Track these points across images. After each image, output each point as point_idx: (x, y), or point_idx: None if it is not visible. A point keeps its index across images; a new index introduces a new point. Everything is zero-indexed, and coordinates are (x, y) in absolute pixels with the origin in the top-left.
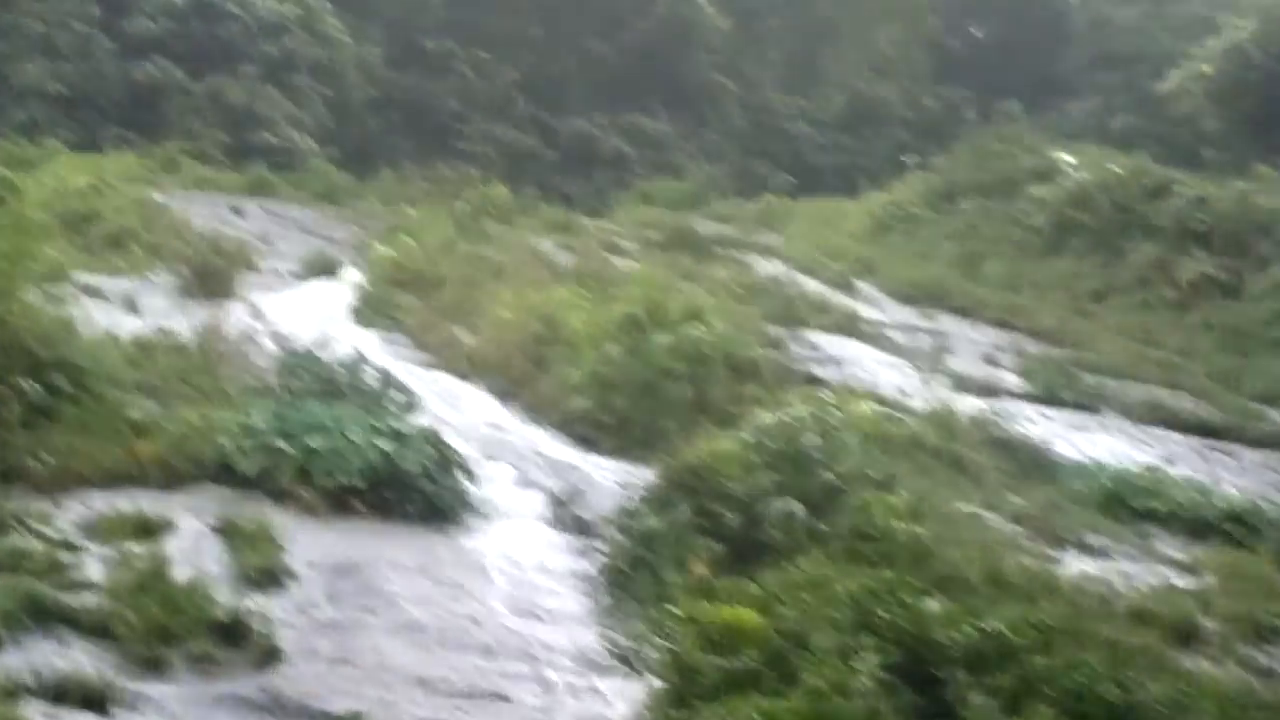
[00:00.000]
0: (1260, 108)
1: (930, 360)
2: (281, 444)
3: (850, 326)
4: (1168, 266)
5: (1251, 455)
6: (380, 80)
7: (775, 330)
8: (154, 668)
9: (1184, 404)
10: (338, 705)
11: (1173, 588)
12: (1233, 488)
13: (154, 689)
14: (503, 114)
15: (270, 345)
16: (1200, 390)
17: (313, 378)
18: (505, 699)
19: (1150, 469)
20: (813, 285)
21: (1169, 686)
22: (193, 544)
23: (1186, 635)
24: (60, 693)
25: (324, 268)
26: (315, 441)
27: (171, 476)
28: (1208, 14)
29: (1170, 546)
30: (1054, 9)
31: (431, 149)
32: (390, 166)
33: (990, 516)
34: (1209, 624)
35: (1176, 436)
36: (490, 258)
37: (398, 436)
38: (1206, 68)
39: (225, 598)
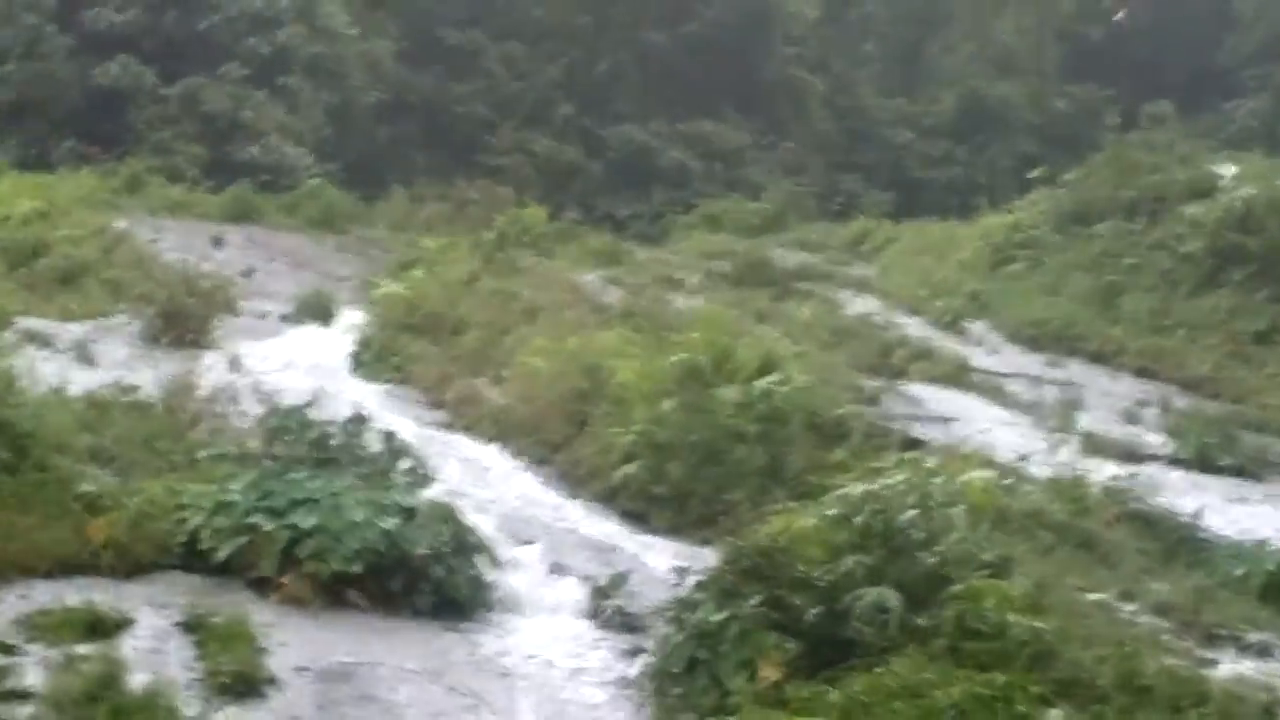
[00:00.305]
0: None
1: (1057, 417)
2: (263, 523)
3: (960, 377)
4: None
5: None
6: (392, 81)
7: (868, 382)
8: None
9: None
10: None
11: None
12: None
13: None
14: (540, 121)
15: (252, 403)
16: None
17: (302, 442)
18: None
19: None
20: (915, 327)
21: None
22: (153, 644)
23: None
24: None
25: (320, 309)
26: (304, 519)
27: (129, 563)
28: None
29: None
30: None
31: (453, 164)
32: (403, 185)
33: (1128, 608)
34: None
35: None
36: (522, 296)
37: (405, 513)
38: None
39: (192, 709)
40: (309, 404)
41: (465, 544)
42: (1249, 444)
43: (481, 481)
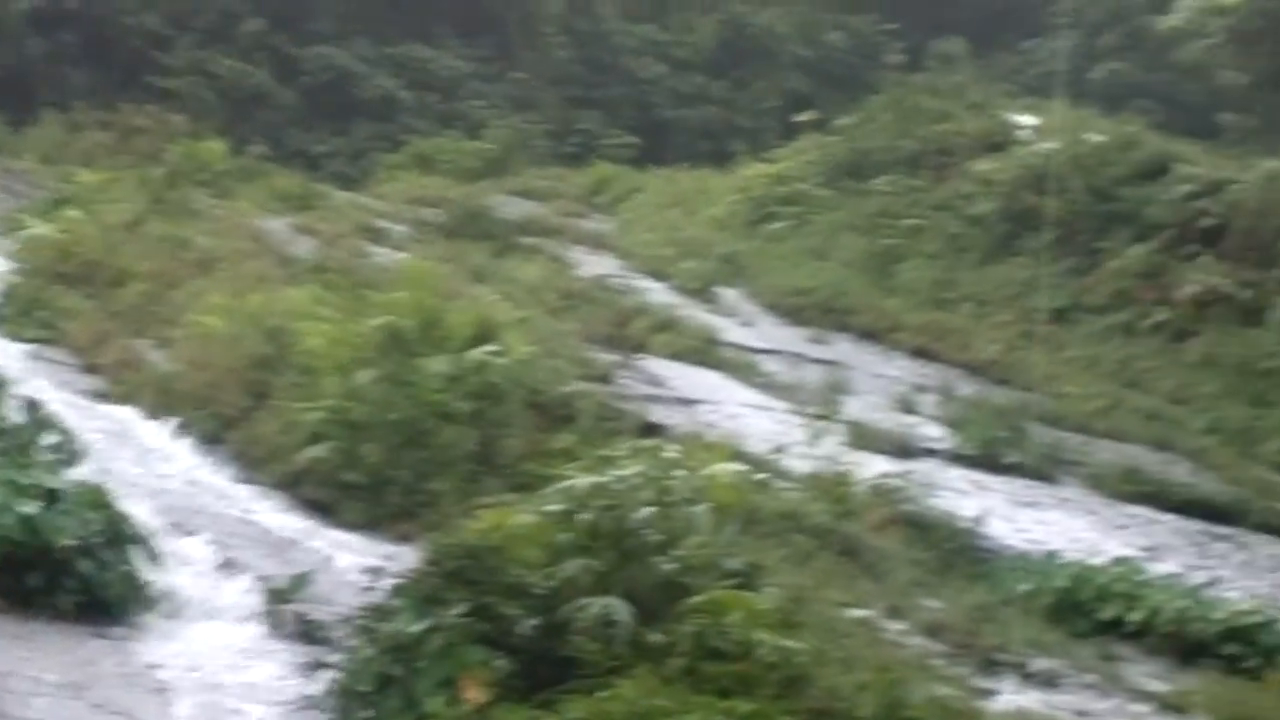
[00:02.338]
0: None
1: (820, 403)
2: None
3: (708, 353)
4: (1162, 277)
5: (1268, 547)
6: None
7: (601, 356)
8: None
9: (1176, 473)
10: None
11: None
12: (1239, 592)
13: None
14: (222, 38)
15: None
16: (1200, 454)
17: None
18: None
19: (1124, 563)
20: (658, 293)
21: None
22: None
23: None
24: None
25: None
26: None
27: None
28: None
29: (1146, 674)
30: None
31: (118, 85)
32: (57, 108)
33: (895, 627)
34: None
35: (1164, 518)
36: (196, 243)
37: (49, 496)
38: None
39: None
40: None
41: (120, 535)
42: (1041, 439)
43: (142, 461)
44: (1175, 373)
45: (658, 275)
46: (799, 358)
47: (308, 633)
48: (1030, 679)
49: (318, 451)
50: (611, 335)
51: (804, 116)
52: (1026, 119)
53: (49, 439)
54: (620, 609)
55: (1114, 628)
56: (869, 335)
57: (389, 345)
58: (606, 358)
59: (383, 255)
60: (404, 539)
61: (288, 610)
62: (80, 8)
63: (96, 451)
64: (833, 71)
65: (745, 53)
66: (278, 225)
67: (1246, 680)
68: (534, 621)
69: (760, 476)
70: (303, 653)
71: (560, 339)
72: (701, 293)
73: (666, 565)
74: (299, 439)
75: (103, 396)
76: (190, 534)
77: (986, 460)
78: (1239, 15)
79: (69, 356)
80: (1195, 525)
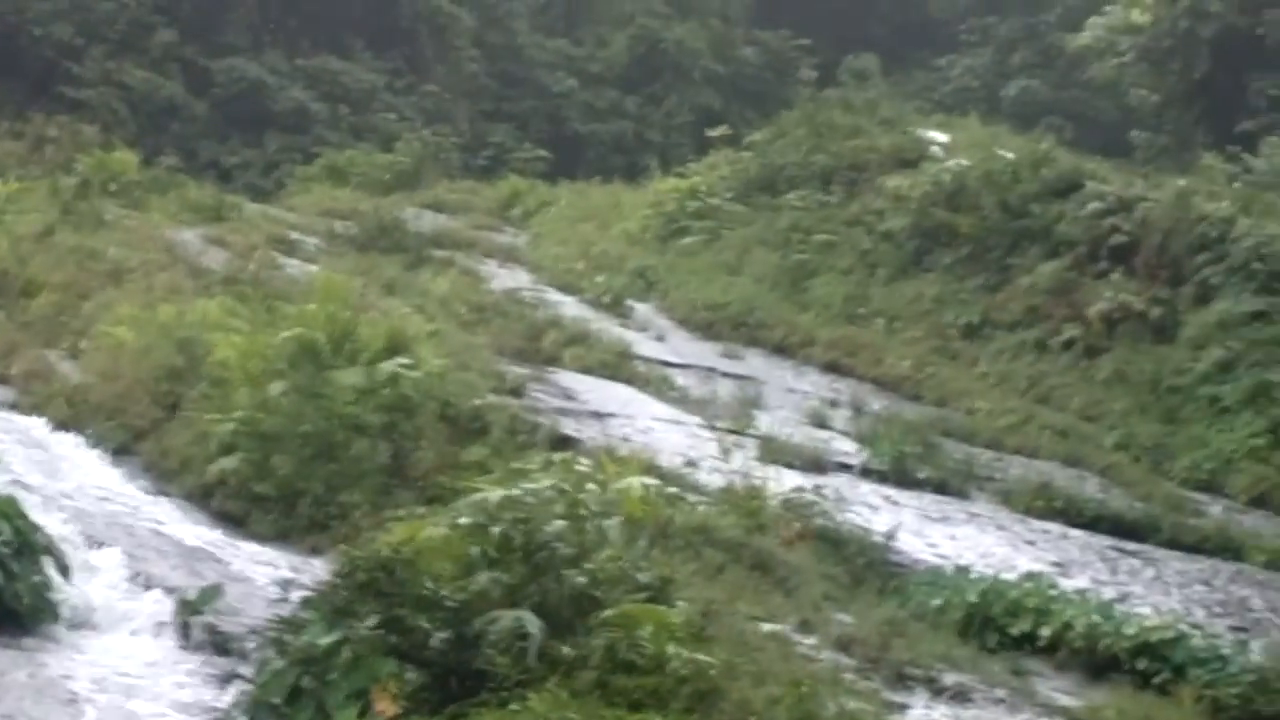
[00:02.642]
0: (1212, 75)
1: (732, 418)
2: None
3: (620, 367)
4: (1073, 293)
5: (1178, 563)
6: None
7: (513, 369)
8: None
9: (1087, 489)
10: None
11: None
12: (1149, 608)
13: None
14: (134, 48)
15: None
16: (1110, 470)
17: None
18: None
19: (1035, 579)
20: (570, 306)
21: None
22: None
23: None
24: None
25: None
26: None
27: None
28: None
29: (1057, 689)
30: None
31: (28, 95)
32: None
33: (806, 641)
34: None
35: (1074, 534)
36: (107, 254)
37: None
38: (1140, 16)
39: None
40: None
41: (30, 546)
42: (952, 454)
43: (51, 472)
44: (1086, 389)
45: (570, 289)
46: (712, 372)
47: (219, 645)
48: (941, 694)
49: (229, 463)
50: (524, 349)
51: (716, 132)
52: (938, 135)
53: None
54: (531, 622)
55: (1025, 642)
56: (781, 350)
57: (300, 357)
58: (519, 371)
59: (295, 267)
60: (315, 551)
61: (199, 622)
62: None
63: (5, 462)
64: (745, 87)
65: (658, 68)
66: (189, 236)
67: (1157, 695)
68: (445, 634)
69: (672, 490)
70: (214, 664)
71: (472, 352)
72: (614, 307)
73: (578, 578)
74: (210, 451)
75: (12, 407)
76: (101, 545)
77: (898, 475)
78: (1149, 35)
79: None
80: (1105, 541)
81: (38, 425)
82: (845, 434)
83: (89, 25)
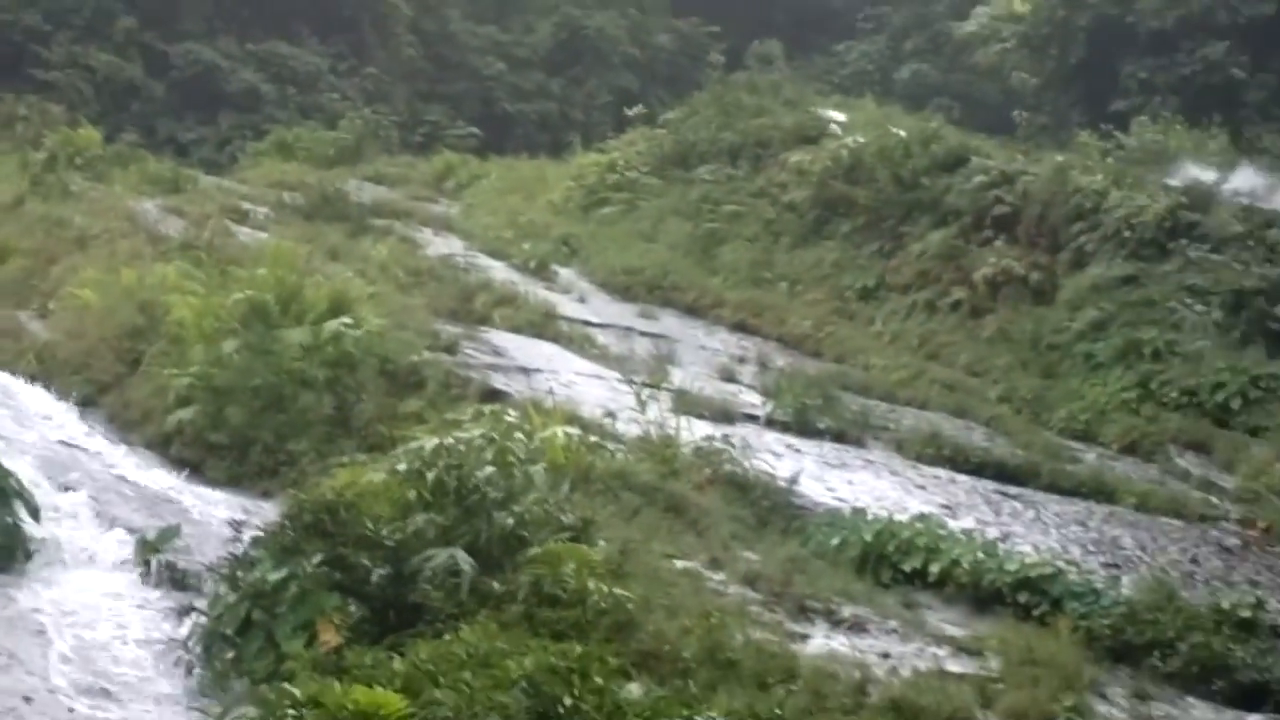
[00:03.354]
0: (1087, 60)
1: (648, 372)
2: None
3: (545, 326)
4: (960, 259)
5: (1055, 505)
6: None
7: (447, 328)
8: None
9: (973, 438)
10: None
11: (946, 673)
12: (1028, 546)
13: None
14: (98, 34)
15: None
16: (994, 420)
17: None
18: None
19: (925, 520)
20: (499, 271)
21: None
22: None
23: None
24: None
25: None
26: None
27: None
28: None
29: (945, 620)
30: None
31: (1, 77)
32: None
33: (716, 577)
34: None
35: (961, 479)
36: (73, 222)
37: None
38: (1021, 6)
39: None
40: None
41: (2, 490)
42: (850, 406)
43: (21, 423)
44: (971, 347)
45: (499, 255)
46: (629, 331)
47: (177, 580)
48: (839, 625)
49: (185, 414)
50: (456, 310)
51: (633, 111)
52: (837, 115)
53: None
54: (463, 560)
55: (916, 578)
56: (693, 311)
57: (251, 317)
58: (452, 330)
59: (246, 235)
60: (265, 495)
61: (158, 560)
62: None
63: None
64: (660, 70)
65: (580, 52)
66: (149, 207)
67: (1037, 626)
68: (384, 571)
69: (593, 439)
70: (172, 598)
71: (409, 312)
72: (540, 271)
73: (506, 520)
74: (168, 403)
75: None
76: (68, 490)
77: (800, 425)
78: (1029, 23)
79: None
80: (990, 485)
81: (9, 380)
82: (751, 387)
83: (56, 12)
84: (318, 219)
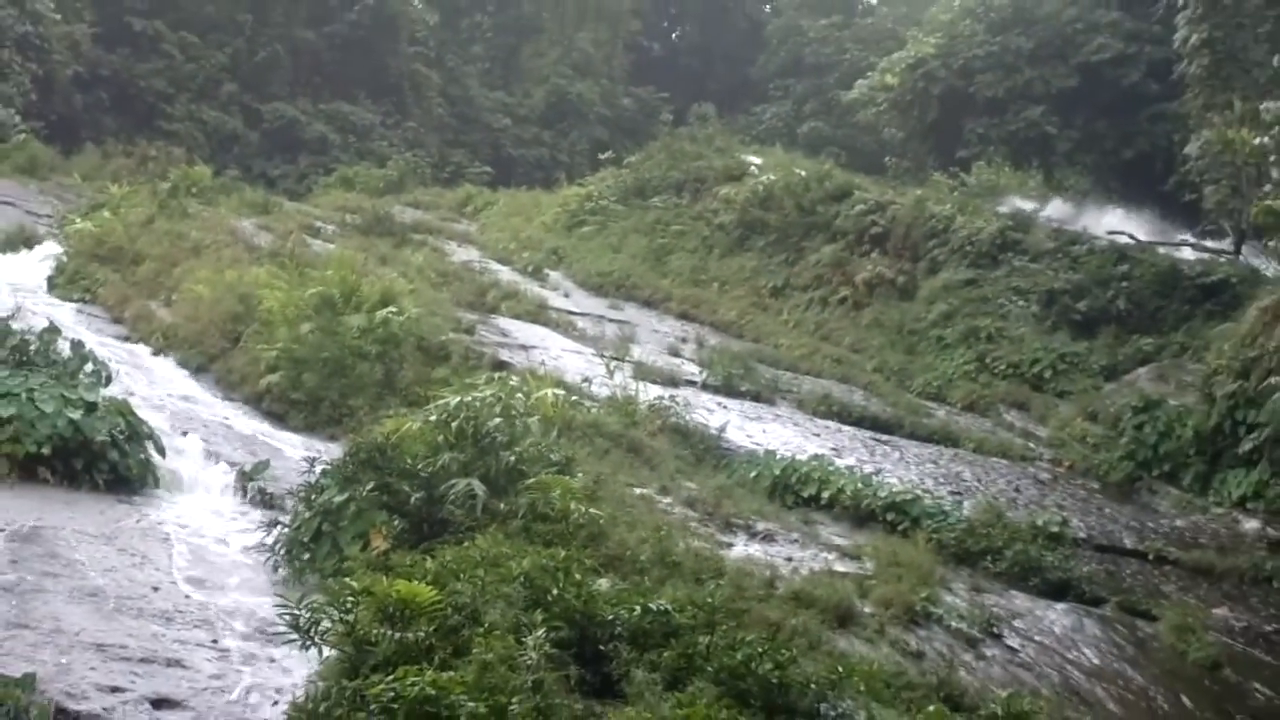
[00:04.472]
0: (939, 119)
1: (615, 349)
2: None
3: (540, 314)
4: (845, 266)
5: (915, 449)
6: (88, 58)
7: (467, 316)
8: None
9: (854, 398)
10: (12, 668)
11: (833, 572)
12: (895, 479)
13: None
14: (209, 96)
15: None
16: (869, 385)
17: (4, 347)
18: (182, 665)
19: (819, 459)
20: (505, 273)
21: (823, 666)
22: None
23: (844, 617)
24: None
25: (23, 240)
26: (3, 410)
27: None
28: (895, 29)
29: (833, 533)
30: (751, 19)
31: (137, 127)
32: (94, 143)
33: (664, 500)
34: (865, 607)
35: (845, 429)
36: (190, 236)
37: (88, 407)
38: (891, 79)
39: None
40: (11, 316)
41: (137, 433)
42: (764, 374)
43: (152, 384)
44: (854, 331)
45: (505, 261)
46: (601, 319)
47: (266, 501)
48: (755, 536)
49: (273, 378)
50: (474, 302)
51: (605, 155)
52: (754, 159)
53: (88, 368)
54: (478, 487)
55: (811, 502)
56: (648, 304)
57: (322, 306)
58: (470, 317)
59: (318, 246)
60: (332, 439)
61: (253, 486)
62: (110, 74)
63: (121, 377)
64: (625, 125)
65: (565, 112)
66: (246, 224)
67: (900, 538)
68: (420, 495)
69: (574, 398)
70: (263, 515)
71: (439, 304)
72: (535, 274)
73: (510, 457)
74: (260, 370)
75: (125, 339)
76: (185, 434)
77: (727, 388)
78: (897, 91)
79: (102, 312)
80: (866, 433)
81: (142, 351)
82: (691, 360)
83: (177, 79)
84: (371, 234)
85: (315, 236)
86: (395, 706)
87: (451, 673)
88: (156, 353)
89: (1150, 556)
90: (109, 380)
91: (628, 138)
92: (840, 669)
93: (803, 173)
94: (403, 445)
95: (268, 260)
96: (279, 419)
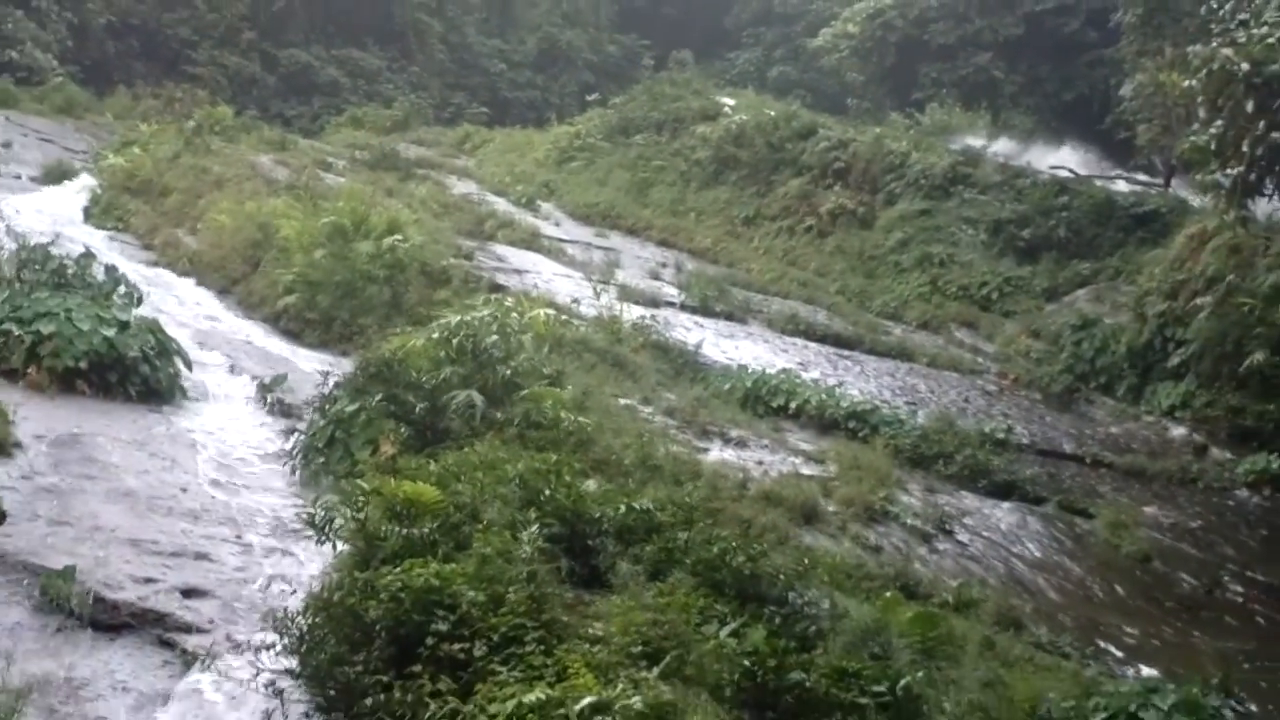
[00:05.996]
0: (896, 64)
1: (601, 273)
2: (13, 328)
3: (533, 242)
4: (811, 198)
5: (874, 363)
6: (119, 7)
7: (466, 243)
8: None
9: (818, 317)
10: (54, 561)
11: (800, 475)
12: (856, 390)
13: None
14: (230, 43)
15: (7, 241)
16: (833, 306)
17: (45, 271)
18: (208, 559)
19: (786, 372)
20: (501, 204)
21: (791, 558)
22: None
23: (809, 515)
24: None
25: (61, 174)
26: (45, 327)
27: None
28: None
29: (800, 439)
30: None
31: (164, 71)
32: (126, 85)
33: (646, 410)
34: (829, 506)
35: (811, 345)
36: (213, 170)
37: (121, 325)
38: (852, 27)
39: None
40: (50, 243)
41: (166, 349)
42: (737, 296)
43: (179, 305)
44: (818, 257)
45: (501, 194)
46: (589, 246)
47: (284, 411)
48: (729, 442)
49: (290, 300)
50: (472, 230)
51: (592, 97)
52: (728, 101)
53: (121, 289)
54: (477, 398)
55: (780, 411)
56: (631, 232)
57: (334, 234)
58: (469, 244)
59: (331, 179)
60: (344, 354)
61: (272, 397)
62: (139, 23)
63: (151, 298)
64: (610, 69)
65: (555, 58)
66: (265, 160)
67: (861, 444)
68: (424, 405)
69: (564, 318)
70: (281, 423)
71: (440, 232)
72: (528, 205)
73: (505, 371)
74: (278, 292)
75: (154, 264)
76: (210, 350)
77: (703, 309)
78: (858, 39)
79: (133, 239)
80: (830, 350)
81: (170, 275)
82: (671, 284)
83: (201, 28)
84: (378, 169)
85: (328, 171)
86: (403, 595)
87: (453, 565)
88: (183, 276)
89: (1087, 460)
90: (140, 301)
91: (613, 81)
92: (806, 561)
93: (772, 113)
94: (408, 360)
95: (284, 192)
96: (295, 336)
